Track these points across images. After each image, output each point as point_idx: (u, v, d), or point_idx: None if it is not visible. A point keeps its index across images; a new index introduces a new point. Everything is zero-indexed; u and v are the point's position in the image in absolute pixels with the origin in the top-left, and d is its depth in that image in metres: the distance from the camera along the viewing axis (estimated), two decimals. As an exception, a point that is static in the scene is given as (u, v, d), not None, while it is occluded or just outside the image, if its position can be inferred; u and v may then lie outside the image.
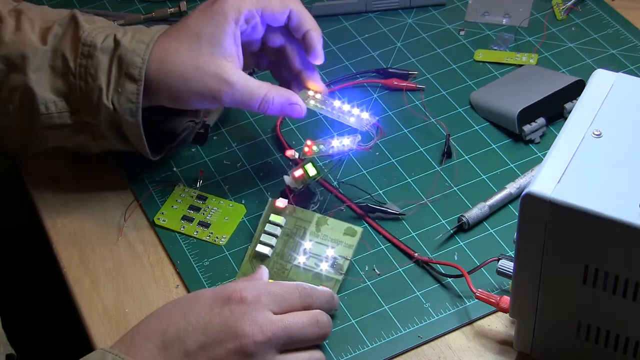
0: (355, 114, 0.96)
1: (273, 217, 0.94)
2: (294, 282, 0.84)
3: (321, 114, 0.99)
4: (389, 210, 0.95)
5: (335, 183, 0.98)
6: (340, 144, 0.95)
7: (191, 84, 0.91)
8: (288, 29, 0.97)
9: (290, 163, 1.02)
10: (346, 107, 0.97)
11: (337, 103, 0.97)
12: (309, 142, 0.96)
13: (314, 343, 0.81)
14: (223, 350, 0.75)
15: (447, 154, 1.00)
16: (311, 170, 0.95)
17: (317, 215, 0.94)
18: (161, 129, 0.98)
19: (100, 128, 0.94)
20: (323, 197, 0.97)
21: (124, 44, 0.91)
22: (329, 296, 0.85)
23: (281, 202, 0.95)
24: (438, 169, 1.00)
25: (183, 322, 0.77)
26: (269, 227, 0.93)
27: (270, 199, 0.96)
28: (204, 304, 0.78)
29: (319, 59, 0.96)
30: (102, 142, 0.96)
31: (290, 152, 0.98)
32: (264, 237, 0.93)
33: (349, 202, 0.96)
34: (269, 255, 0.92)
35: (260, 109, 0.93)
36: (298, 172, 0.95)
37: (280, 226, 0.94)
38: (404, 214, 0.96)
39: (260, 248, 0.92)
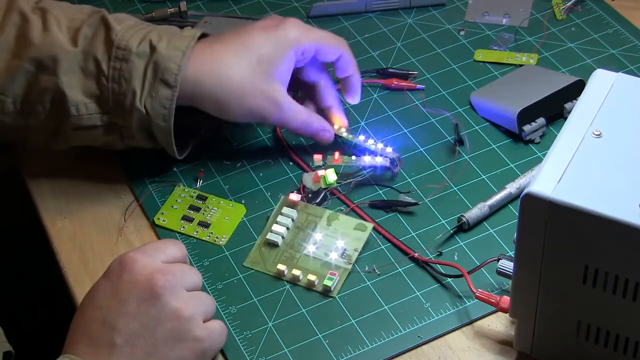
0: (379, 148, 1.00)
1: (285, 210, 0.95)
2: (170, 240, 0.89)
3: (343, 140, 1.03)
4: (403, 201, 0.96)
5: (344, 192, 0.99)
6: (372, 159, 0.99)
7: (246, 100, 0.94)
8: (322, 65, 1.01)
9: (291, 163, 1.02)
10: (370, 142, 1.01)
11: (361, 137, 1.02)
12: (337, 156, 1.00)
13: (197, 283, 0.84)
14: (139, 305, 0.78)
15: (459, 141, 1.00)
16: (331, 177, 0.98)
17: (329, 211, 0.96)
18: (182, 125, 0.99)
19: (130, 129, 0.95)
20: (333, 201, 0.98)
21: (160, 50, 0.92)
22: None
23: (295, 196, 0.97)
24: (438, 168, 1.00)
25: (102, 311, 0.79)
26: (280, 219, 0.95)
27: (282, 196, 0.97)
28: (108, 287, 0.80)
29: (356, 100, 1.03)
30: (130, 142, 0.98)
31: (317, 157, 1.00)
32: (275, 227, 0.94)
33: (360, 212, 0.96)
34: (279, 244, 0.93)
35: (298, 130, 0.98)
36: (319, 175, 0.98)
37: (292, 219, 0.95)
38: (418, 204, 0.96)
39: (270, 236, 0.93)
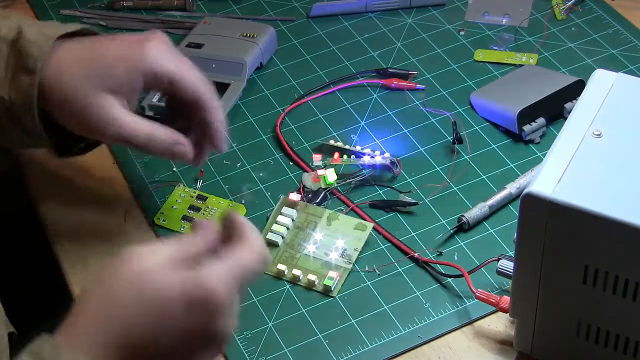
0: (376, 154, 1.00)
1: (285, 210, 0.95)
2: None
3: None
4: (403, 201, 0.96)
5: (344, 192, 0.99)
6: (372, 158, 0.98)
7: (76, 110, 0.85)
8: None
9: (291, 163, 1.02)
10: (367, 151, 1.00)
11: (358, 148, 1.01)
12: (336, 156, 0.99)
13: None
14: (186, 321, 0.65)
15: (458, 140, 1.00)
16: (331, 177, 0.97)
17: (329, 211, 0.96)
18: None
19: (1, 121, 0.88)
20: (333, 201, 0.98)
21: (25, 35, 0.86)
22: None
23: (295, 196, 0.97)
24: (438, 168, 1.00)
25: (150, 330, 0.65)
26: (280, 219, 0.95)
27: (282, 196, 0.97)
28: (174, 311, 0.65)
29: (222, 150, 0.90)
30: (5, 138, 0.91)
31: (317, 157, 1.00)
32: (275, 227, 0.94)
33: (360, 212, 0.96)
34: (279, 244, 0.93)
35: (147, 146, 0.87)
36: (319, 174, 0.98)
37: (292, 219, 0.95)
38: (418, 204, 0.96)
39: (270, 236, 0.94)
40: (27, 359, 0.64)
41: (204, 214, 0.98)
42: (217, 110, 0.89)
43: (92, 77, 0.85)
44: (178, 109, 0.90)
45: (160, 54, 0.86)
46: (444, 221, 0.95)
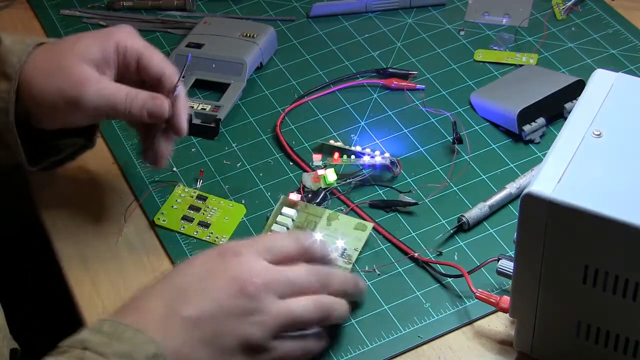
0: (376, 154, 1.00)
1: (285, 210, 0.95)
2: (291, 232, 0.88)
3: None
4: (403, 201, 0.96)
5: (344, 192, 0.99)
6: (372, 158, 0.98)
7: (54, 79, 0.89)
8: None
9: (291, 163, 1.02)
10: (367, 151, 1.00)
11: (358, 148, 1.01)
12: (336, 156, 0.99)
13: (314, 292, 0.81)
14: (225, 295, 0.77)
15: (458, 140, 1.00)
16: (331, 177, 0.97)
17: (329, 211, 0.96)
18: (49, 145, 0.95)
19: None
20: (333, 201, 0.98)
21: (5, 43, 0.89)
22: (326, 254, 0.85)
23: (294, 196, 0.97)
24: (438, 168, 1.00)
25: (182, 282, 0.78)
26: (280, 219, 0.95)
27: (282, 196, 0.97)
28: (199, 265, 0.79)
29: (182, 132, 0.93)
30: None
31: (317, 156, 1.00)
32: (275, 227, 0.94)
33: (360, 212, 0.96)
34: None
35: (126, 106, 0.90)
36: (319, 174, 0.98)
37: (292, 219, 0.95)
38: (418, 204, 0.96)
39: None
40: (90, 335, 0.74)
41: (204, 214, 0.98)
42: (180, 87, 0.92)
43: (71, 52, 0.90)
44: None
45: (130, 34, 0.93)
46: (444, 221, 0.95)
